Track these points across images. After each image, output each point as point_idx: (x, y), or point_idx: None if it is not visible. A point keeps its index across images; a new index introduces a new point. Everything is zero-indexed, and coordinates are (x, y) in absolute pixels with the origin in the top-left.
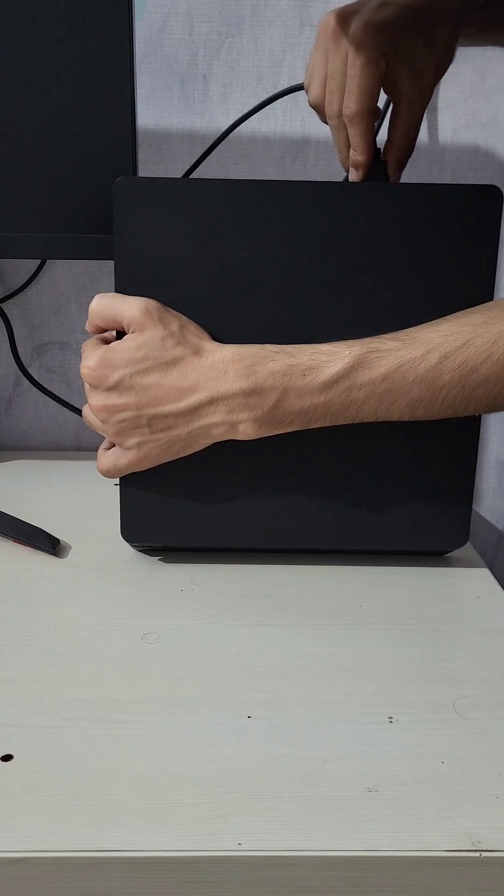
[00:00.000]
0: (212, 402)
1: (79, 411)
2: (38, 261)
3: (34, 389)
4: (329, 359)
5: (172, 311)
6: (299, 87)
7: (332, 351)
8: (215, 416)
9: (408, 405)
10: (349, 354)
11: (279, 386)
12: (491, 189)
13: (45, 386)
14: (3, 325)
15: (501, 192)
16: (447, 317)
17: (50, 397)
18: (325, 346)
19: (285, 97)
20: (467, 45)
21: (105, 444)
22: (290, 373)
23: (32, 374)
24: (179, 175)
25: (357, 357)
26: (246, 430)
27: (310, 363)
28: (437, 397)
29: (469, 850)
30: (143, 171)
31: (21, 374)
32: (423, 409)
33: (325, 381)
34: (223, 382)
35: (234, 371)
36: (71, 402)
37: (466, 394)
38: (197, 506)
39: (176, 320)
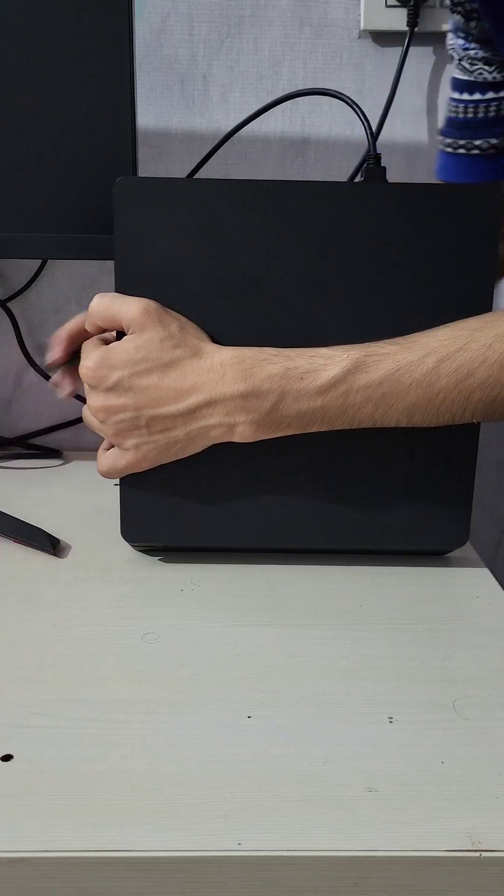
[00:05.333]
0: (210, 403)
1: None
2: (39, 261)
3: (35, 389)
4: (327, 362)
5: (172, 312)
6: (311, 92)
7: (331, 355)
8: (213, 418)
9: (405, 410)
10: (347, 358)
11: (277, 389)
12: (489, 189)
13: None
14: (4, 325)
15: (499, 191)
16: (447, 324)
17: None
18: (323, 350)
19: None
20: None
21: (105, 444)
22: (287, 376)
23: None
24: (179, 175)
25: (355, 361)
26: (243, 433)
27: (308, 367)
28: (434, 402)
29: (469, 850)
30: (143, 171)
31: (26, 368)
32: (420, 414)
33: (323, 385)
34: (221, 385)
35: (233, 373)
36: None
37: (463, 398)
38: (197, 506)
39: (175, 321)
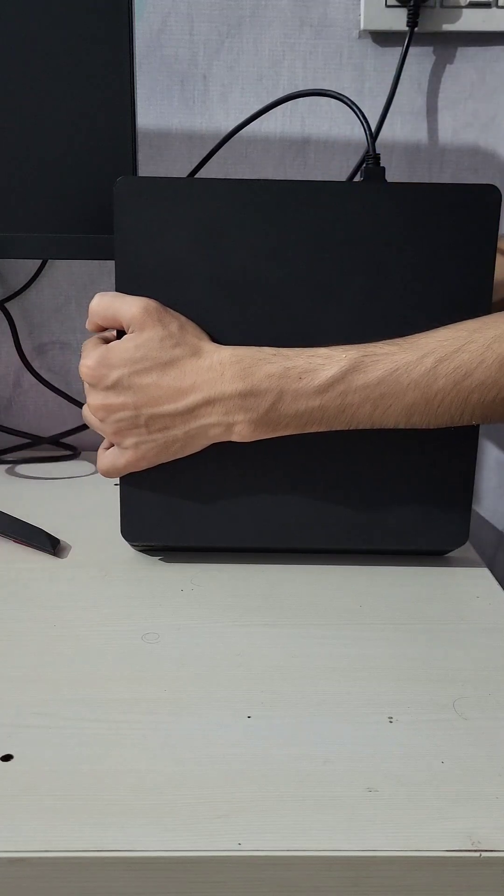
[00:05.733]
0: (208, 402)
1: (80, 405)
2: (39, 261)
3: (34, 389)
4: (325, 362)
5: (172, 311)
6: (311, 93)
7: (329, 354)
8: (211, 417)
9: (403, 410)
10: (345, 358)
11: (275, 388)
12: (489, 189)
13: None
14: (4, 325)
15: (500, 191)
16: (447, 325)
17: (52, 390)
18: (322, 350)
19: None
20: None
21: (105, 443)
22: (286, 375)
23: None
24: (179, 175)
25: (353, 360)
26: (242, 432)
27: (306, 366)
28: (433, 402)
29: (469, 850)
30: (143, 171)
31: (24, 370)
32: (419, 415)
33: (321, 385)
34: (220, 384)
35: (231, 373)
36: (71, 402)
37: (461, 399)
38: (197, 505)
39: (175, 321)
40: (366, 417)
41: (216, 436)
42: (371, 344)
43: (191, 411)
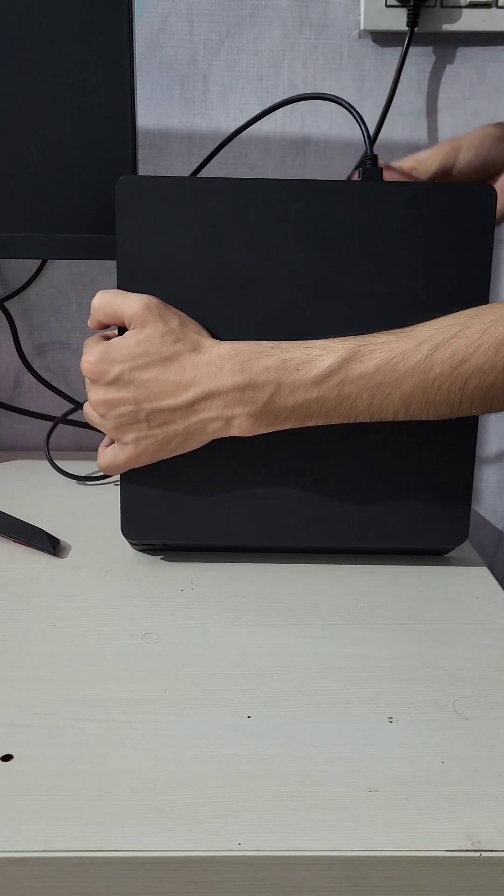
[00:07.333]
0: (207, 397)
1: (80, 405)
2: (39, 261)
3: (34, 390)
4: (322, 353)
5: (173, 308)
6: (310, 97)
7: (326, 345)
8: (211, 412)
9: (402, 399)
10: (342, 348)
11: (273, 381)
12: (484, 188)
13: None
14: (4, 325)
15: (495, 191)
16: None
17: (52, 390)
18: (319, 342)
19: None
20: None
21: (105, 440)
22: (283, 367)
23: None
24: (179, 175)
25: (350, 350)
26: (241, 426)
27: (303, 358)
28: (431, 390)
29: (469, 850)
30: (143, 171)
31: (24, 370)
32: (417, 404)
33: (318, 375)
34: (219, 378)
35: (230, 366)
36: (71, 402)
37: (459, 386)
38: (197, 503)
39: (176, 317)
40: (364, 408)
41: (216, 430)
42: (369, 335)
43: (190, 405)
